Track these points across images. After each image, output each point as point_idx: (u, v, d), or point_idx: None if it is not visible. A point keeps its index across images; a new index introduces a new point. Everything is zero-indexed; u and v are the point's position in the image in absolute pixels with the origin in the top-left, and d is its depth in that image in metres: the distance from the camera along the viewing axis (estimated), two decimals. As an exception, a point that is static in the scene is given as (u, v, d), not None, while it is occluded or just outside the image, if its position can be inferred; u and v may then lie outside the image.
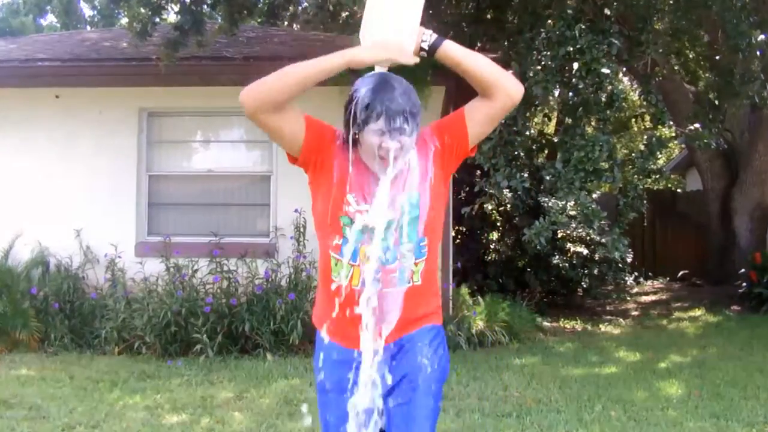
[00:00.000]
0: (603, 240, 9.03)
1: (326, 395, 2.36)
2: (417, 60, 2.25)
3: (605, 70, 7.47)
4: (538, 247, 7.76)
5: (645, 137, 9.66)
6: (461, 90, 7.73)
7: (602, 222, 7.72)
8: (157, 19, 7.87)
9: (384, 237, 2.21)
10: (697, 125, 8.55)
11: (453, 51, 2.25)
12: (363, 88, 2.17)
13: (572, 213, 8.03)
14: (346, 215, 2.24)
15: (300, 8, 14.36)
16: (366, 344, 2.21)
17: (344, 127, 2.25)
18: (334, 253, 2.27)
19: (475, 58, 2.27)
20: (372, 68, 2.28)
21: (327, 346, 2.34)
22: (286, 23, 14.47)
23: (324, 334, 2.33)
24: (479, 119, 2.32)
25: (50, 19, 18.86)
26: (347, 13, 13.46)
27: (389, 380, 2.27)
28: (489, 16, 9.40)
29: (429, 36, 2.24)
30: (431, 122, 2.42)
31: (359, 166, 2.27)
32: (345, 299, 2.24)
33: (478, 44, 10.66)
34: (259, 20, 12.62)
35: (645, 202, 8.79)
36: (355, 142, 2.25)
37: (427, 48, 2.24)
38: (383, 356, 2.25)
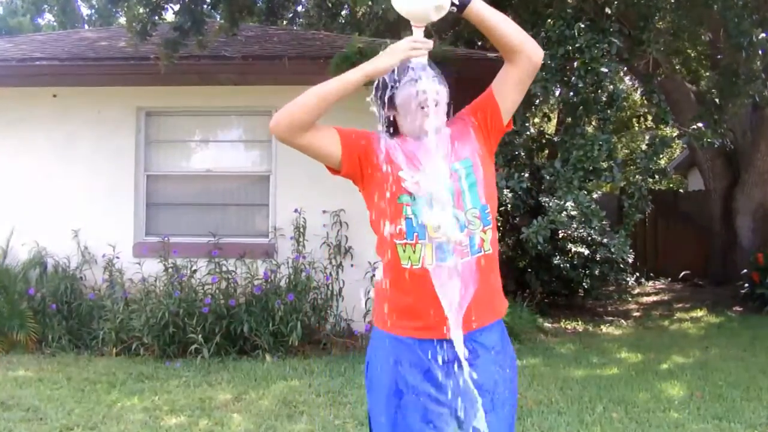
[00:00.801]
0: (604, 240, 9.01)
1: (401, 398, 2.24)
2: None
3: (605, 69, 7.45)
4: (539, 247, 7.73)
5: (647, 137, 9.63)
6: (461, 87, 7.66)
7: (603, 222, 7.67)
8: (157, 19, 7.83)
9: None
10: (700, 124, 8.50)
11: (481, 9, 2.27)
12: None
13: (573, 213, 7.99)
14: (404, 193, 2.22)
15: (300, 8, 14.33)
16: (454, 327, 2.18)
17: (377, 100, 2.34)
18: (399, 240, 2.22)
19: (501, 18, 2.30)
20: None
21: (402, 344, 2.25)
22: (285, 23, 14.42)
23: (396, 331, 2.26)
24: (507, 90, 2.35)
25: (48, 18, 18.81)
26: (346, 11, 13.44)
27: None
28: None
29: None
30: (466, 106, 2.45)
31: (405, 143, 2.31)
32: (422, 283, 2.20)
33: (479, 43, 10.63)
34: (257, 20, 12.59)
35: (650, 202, 8.74)
36: (394, 123, 2.33)
37: (458, 3, 2.23)
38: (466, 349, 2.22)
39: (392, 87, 2.28)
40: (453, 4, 2.22)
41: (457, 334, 2.19)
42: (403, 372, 2.23)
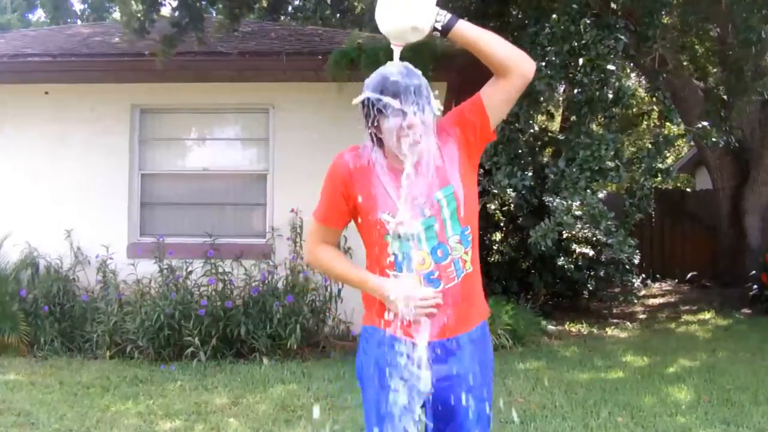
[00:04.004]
0: (609, 241, 8.90)
1: (387, 387, 2.30)
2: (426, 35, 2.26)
3: (611, 67, 7.39)
4: (543, 249, 7.65)
5: (652, 135, 9.54)
6: (463, 85, 7.62)
7: (609, 223, 7.58)
8: (155, 16, 7.75)
9: (431, 236, 2.28)
10: (705, 123, 8.40)
11: (467, 31, 2.25)
12: (370, 86, 2.22)
13: (578, 213, 7.89)
14: (388, 234, 2.29)
15: (297, 1, 14.30)
16: (423, 336, 2.27)
17: (366, 127, 2.28)
18: (390, 271, 2.32)
19: (489, 38, 2.27)
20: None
21: (387, 339, 2.31)
22: (283, 18, 14.35)
23: (381, 327, 2.34)
24: (497, 102, 2.33)
25: (39, 14, 18.85)
26: (345, 6, 13.41)
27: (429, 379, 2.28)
28: (492, 11, 9.28)
29: (443, 16, 2.23)
30: (449, 112, 2.39)
31: (388, 171, 2.32)
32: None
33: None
34: (258, 15, 12.52)
35: (652, 202, 8.64)
36: (381, 143, 2.30)
37: (440, 28, 2.23)
38: (440, 351, 2.30)
39: (378, 111, 2.21)
40: (435, 29, 2.22)
41: (423, 341, 2.27)
42: (386, 354, 2.30)
